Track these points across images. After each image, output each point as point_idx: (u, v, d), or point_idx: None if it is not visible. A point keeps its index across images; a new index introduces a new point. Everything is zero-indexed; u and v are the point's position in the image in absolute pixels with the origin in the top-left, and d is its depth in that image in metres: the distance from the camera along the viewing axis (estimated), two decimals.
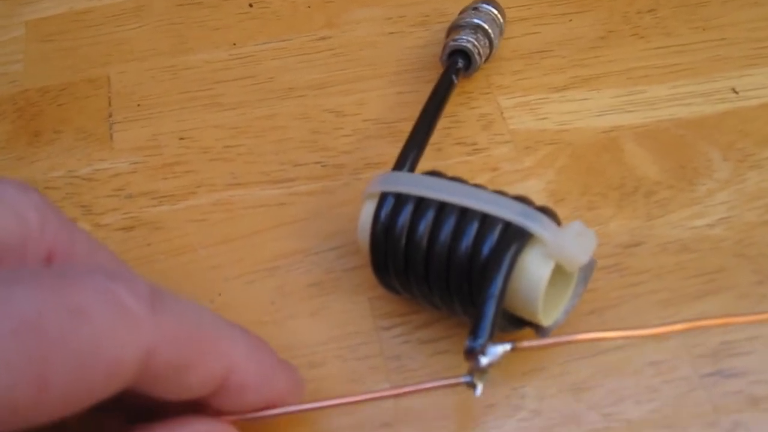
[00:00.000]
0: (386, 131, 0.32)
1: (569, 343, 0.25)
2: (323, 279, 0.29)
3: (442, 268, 0.25)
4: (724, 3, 0.35)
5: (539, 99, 0.33)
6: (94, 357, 0.18)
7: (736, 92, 0.33)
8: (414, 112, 0.32)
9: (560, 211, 0.29)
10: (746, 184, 0.30)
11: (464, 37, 0.32)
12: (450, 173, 0.30)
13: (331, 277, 0.29)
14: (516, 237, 0.24)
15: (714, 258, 0.28)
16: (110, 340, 0.18)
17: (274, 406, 0.23)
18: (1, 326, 0.17)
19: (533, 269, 0.24)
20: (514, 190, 0.30)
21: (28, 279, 0.18)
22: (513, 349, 0.23)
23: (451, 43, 0.32)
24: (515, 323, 0.26)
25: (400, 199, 0.26)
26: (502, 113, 0.32)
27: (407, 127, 0.32)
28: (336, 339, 0.27)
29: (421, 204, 0.25)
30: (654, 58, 0.34)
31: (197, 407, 0.22)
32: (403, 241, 0.25)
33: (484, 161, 0.31)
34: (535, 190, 0.30)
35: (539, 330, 0.26)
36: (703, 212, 0.29)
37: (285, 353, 0.27)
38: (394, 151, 0.31)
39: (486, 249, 0.24)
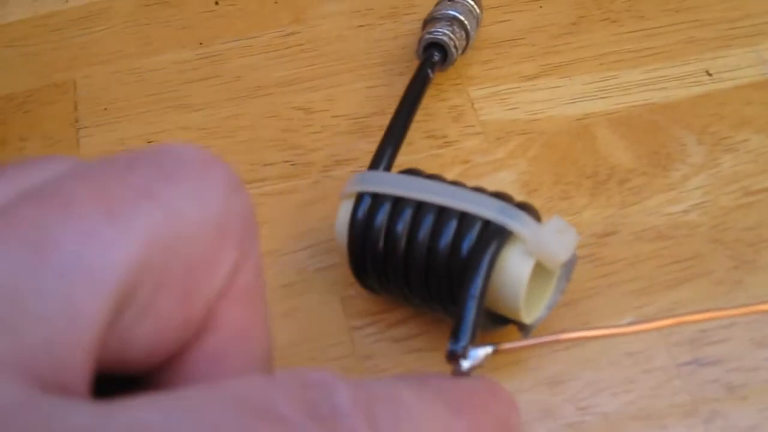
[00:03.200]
0: (356, 127, 0.32)
1: (550, 343, 0.25)
2: (295, 280, 0.28)
3: (422, 268, 0.24)
4: None
5: (510, 89, 0.32)
6: None
7: (710, 75, 0.32)
8: (384, 106, 0.32)
9: (533, 203, 0.29)
10: (721, 168, 0.30)
11: (440, 30, 0.31)
12: (421, 167, 0.29)
13: (302, 278, 0.28)
14: (495, 235, 0.23)
15: (689, 244, 0.28)
16: None
17: None
18: None
19: (513, 267, 0.24)
20: (486, 182, 0.30)
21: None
22: (495, 352, 0.22)
23: (427, 36, 0.31)
24: (497, 321, 0.25)
25: (378, 198, 0.25)
26: (472, 104, 0.32)
27: (377, 122, 0.31)
28: (308, 340, 0.27)
29: (399, 203, 0.25)
30: (626, 43, 0.33)
31: None
32: (382, 241, 0.25)
33: (455, 154, 0.30)
34: (508, 181, 0.30)
35: (522, 327, 0.25)
36: (677, 198, 0.29)
37: None
38: (364, 146, 0.31)
39: (465, 247, 0.24)
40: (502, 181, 0.30)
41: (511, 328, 0.25)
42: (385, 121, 0.29)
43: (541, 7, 0.35)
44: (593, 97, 0.32)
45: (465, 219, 0.24)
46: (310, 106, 0.32)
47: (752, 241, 0.28)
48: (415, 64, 0.31)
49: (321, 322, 0.27)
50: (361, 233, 0.25)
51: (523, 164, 0.30)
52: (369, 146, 0.30)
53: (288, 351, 0.27)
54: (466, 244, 0.24)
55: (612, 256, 0.28)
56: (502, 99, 0.32)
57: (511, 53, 0.33)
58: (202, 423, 0.13)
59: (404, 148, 0.30)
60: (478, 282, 0.23)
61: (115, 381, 0.16)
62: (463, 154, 0.30)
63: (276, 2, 0.36)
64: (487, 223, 0.24)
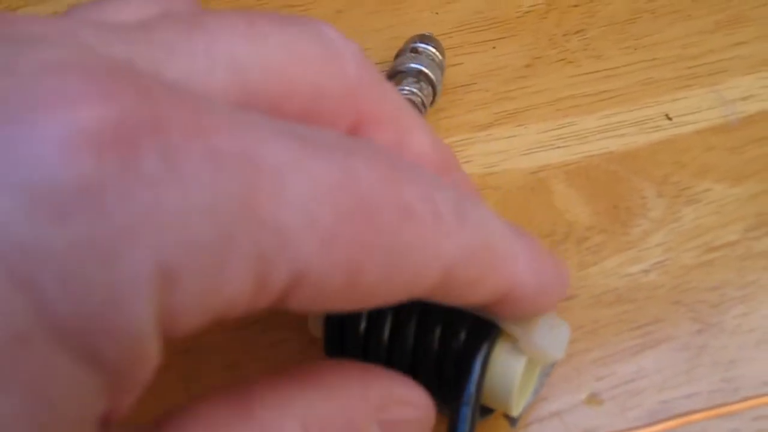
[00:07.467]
0: None
1: None
2: (242, 359, 0.27)
3: (408, 363, 0.23)
4: (654, 19, 0.34)
5: (463, 140, 0.31)
6: (404, 261, 0.17)
7: (670, 118, 0.31)
8: None
9: None
10: (681, 222, 0.29)
11: (406, 88, 0.29)
12: None
13: (252, 356, 0.27)
14: (485, 335, 0.22)
15: (650, 307, 0.27)
16: (422, 249, 0.17)
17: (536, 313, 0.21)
18: (342, 201, 0.15)
19: (504, 366, 0.22)
20: None
21: (368, 154, 0.16)
22: None
23: None
24: (484, 411, 0.24)
25: None
26: None
27: None
28: None
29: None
30: (583, 85, 0.32)
31: None
32: (363, 323, 0.23)
33: None
34: None
35: (510, 418, 0.24)
36: (637, 257, 0.28)
37: None
38: None
39: (455, 346, 0.22)
40: None
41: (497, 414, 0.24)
42: None
43: (494, 48, 0.33)
44: (549, 147, 0.30)
45: (453, 313, 0.23)
46: None
47: (716, 302, 0.27)
48: None
49: None
50: (339, 326, 0.23)
51: None
52: None
53: None
54: (456, 343, 0.22)
55: (570, 323, 0.27)
56: (456, 151, 0.30)
57: (464, 100, 0.32)
58: None
59: None
60: (471, 389, 0.21)
61: None
62: None
63: None
64: (475, 319, 0.22)
